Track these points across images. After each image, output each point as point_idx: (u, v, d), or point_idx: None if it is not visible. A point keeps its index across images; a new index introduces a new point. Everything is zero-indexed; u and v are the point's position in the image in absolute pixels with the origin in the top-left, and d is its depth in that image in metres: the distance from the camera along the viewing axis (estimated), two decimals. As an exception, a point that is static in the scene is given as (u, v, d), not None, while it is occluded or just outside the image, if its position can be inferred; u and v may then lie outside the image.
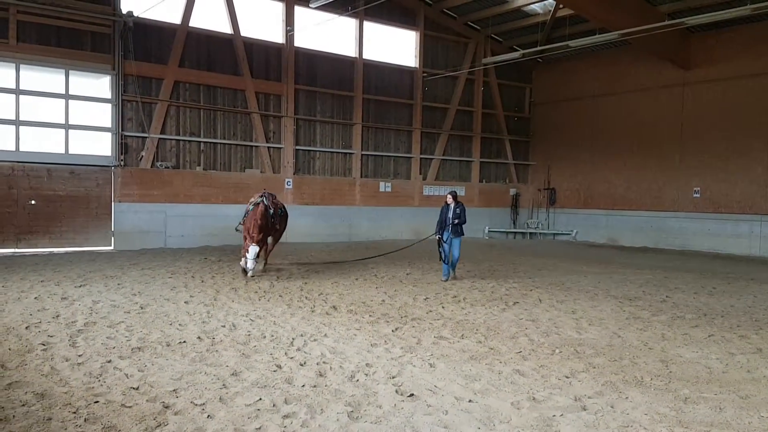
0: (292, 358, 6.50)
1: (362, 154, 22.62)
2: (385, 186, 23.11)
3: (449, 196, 12.70)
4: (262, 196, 12.60)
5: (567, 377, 6.04)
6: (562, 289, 11.79)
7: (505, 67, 24.64)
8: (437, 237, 12.71)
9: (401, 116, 23.67)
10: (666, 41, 20.44)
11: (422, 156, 24.19)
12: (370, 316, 8.81)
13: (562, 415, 4.96)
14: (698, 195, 21.86)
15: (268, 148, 20.43)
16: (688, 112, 21.91)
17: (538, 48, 21.13)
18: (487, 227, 25.37)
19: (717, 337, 8.02)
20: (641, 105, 23.26)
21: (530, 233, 26.24)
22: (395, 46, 23.41)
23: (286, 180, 20.71)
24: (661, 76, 22.44)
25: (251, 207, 12.50)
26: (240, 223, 12.78)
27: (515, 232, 26.36)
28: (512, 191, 26.84)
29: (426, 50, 23.94)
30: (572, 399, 5.36)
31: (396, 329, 7.99)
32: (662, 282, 13.14)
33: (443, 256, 12.57)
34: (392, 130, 23.46)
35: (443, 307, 9.64)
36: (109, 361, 6.19)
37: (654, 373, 6.24)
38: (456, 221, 12.40)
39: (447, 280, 12.54)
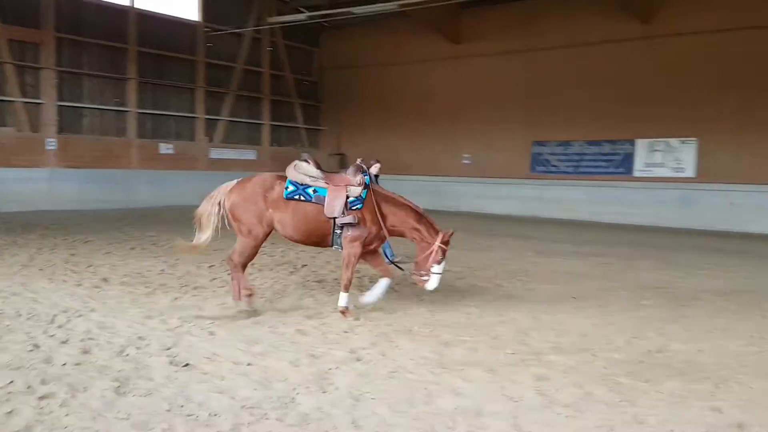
0: (52, 336, 5.89)
1: (138, 113, 20.91)
2: (166, 148, 21.69)
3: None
4: (363, 173, 7.53)
5: (345, 332, 6.32)
6: (346, 250, 12.24)
7: (292, 28, 24.42)
8: None
9: (182, 73, 22.29)
10: (438, 15, 21.85)
11: (207, 117, 23.14)
12: (146, 287, 8.27)
13: (337, 367, 5.18)
14: (468, 162, 24.08)
15: (25, 103, 17.90)
16: (461, 84, 23.85)
17: (323, 12, 21.25)
18: (276, 191, 25.35)
19: (478, 287, 8.99)
20: (420, 75, 24.76)
21: (320, 197, 26.71)
22: (175, -3, 21.87)
23: (48, 140, 18.39)
24: (437, 48, 24.03)
25: (359, 188, 7.34)
26: (345, 214, 7.30)
27: (305, 196, 26.62)
28: (303, 156, 26.93)
29: (208, 4, 22.73)
30: (348, 351, 5.63)
31: (175, 299, 7.65)
32: (435, 240, 14.30)
33: None
34: (172, 87, 22.02)
35: (229, 274, 9.39)
36: None
37: (422, 323, 6.80)
38: None
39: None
